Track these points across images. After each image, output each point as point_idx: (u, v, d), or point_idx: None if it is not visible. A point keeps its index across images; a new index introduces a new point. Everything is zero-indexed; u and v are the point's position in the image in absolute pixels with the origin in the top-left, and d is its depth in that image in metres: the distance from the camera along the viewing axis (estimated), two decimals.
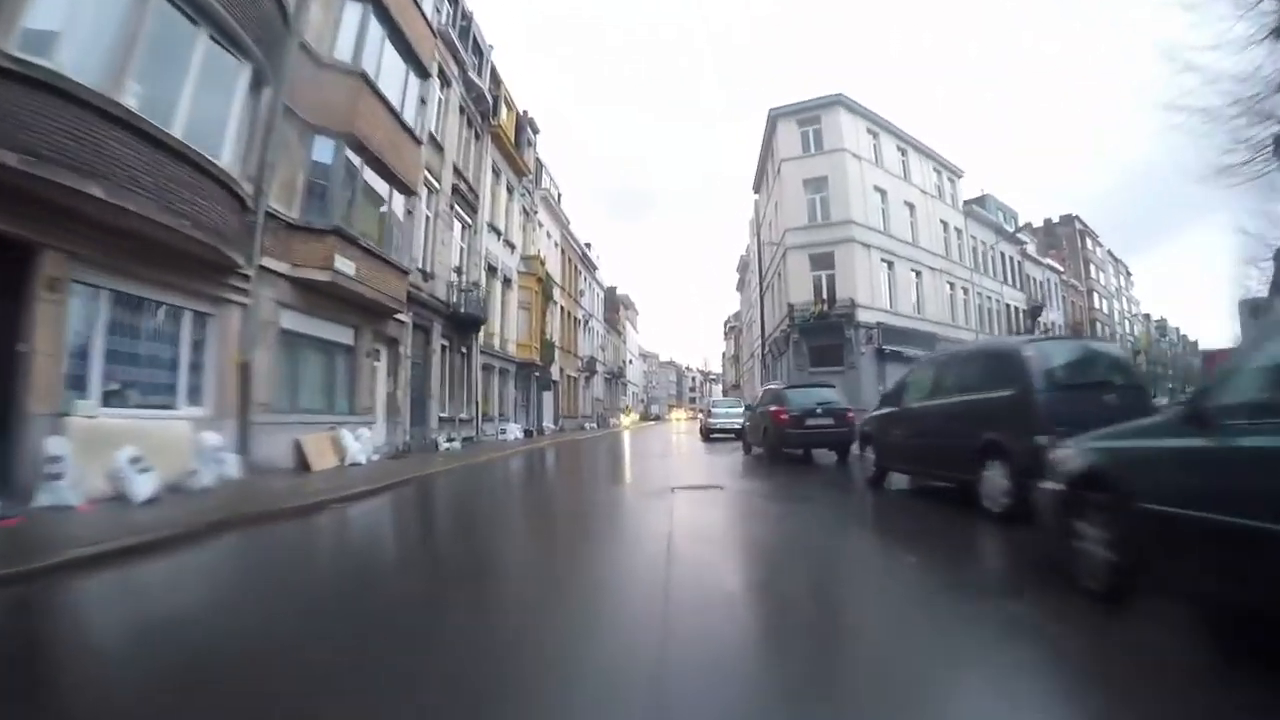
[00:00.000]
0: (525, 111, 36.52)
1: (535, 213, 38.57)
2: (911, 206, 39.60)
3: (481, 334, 28.13)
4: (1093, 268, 77.83)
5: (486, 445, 25.34)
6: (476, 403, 27.27)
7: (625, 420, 65.78)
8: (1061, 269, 67.14)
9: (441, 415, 23.01)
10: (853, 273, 33.37)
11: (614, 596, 4.99)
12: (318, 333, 15.63)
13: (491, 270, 30.11)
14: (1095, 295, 75.85)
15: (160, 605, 5.01)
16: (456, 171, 24.66)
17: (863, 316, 32.84)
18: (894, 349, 34.35)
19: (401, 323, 19.52)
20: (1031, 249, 59.43)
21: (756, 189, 49.10)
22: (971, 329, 43.08)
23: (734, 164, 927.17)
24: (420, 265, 21.16)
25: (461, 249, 26.41)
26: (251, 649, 3.83)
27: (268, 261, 13.42)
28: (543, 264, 36.83)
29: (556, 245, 44.94)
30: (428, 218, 22.09)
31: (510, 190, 33.73)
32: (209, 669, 3.48)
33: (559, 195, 46.44)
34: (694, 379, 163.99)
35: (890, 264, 36.34)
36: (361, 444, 15.70)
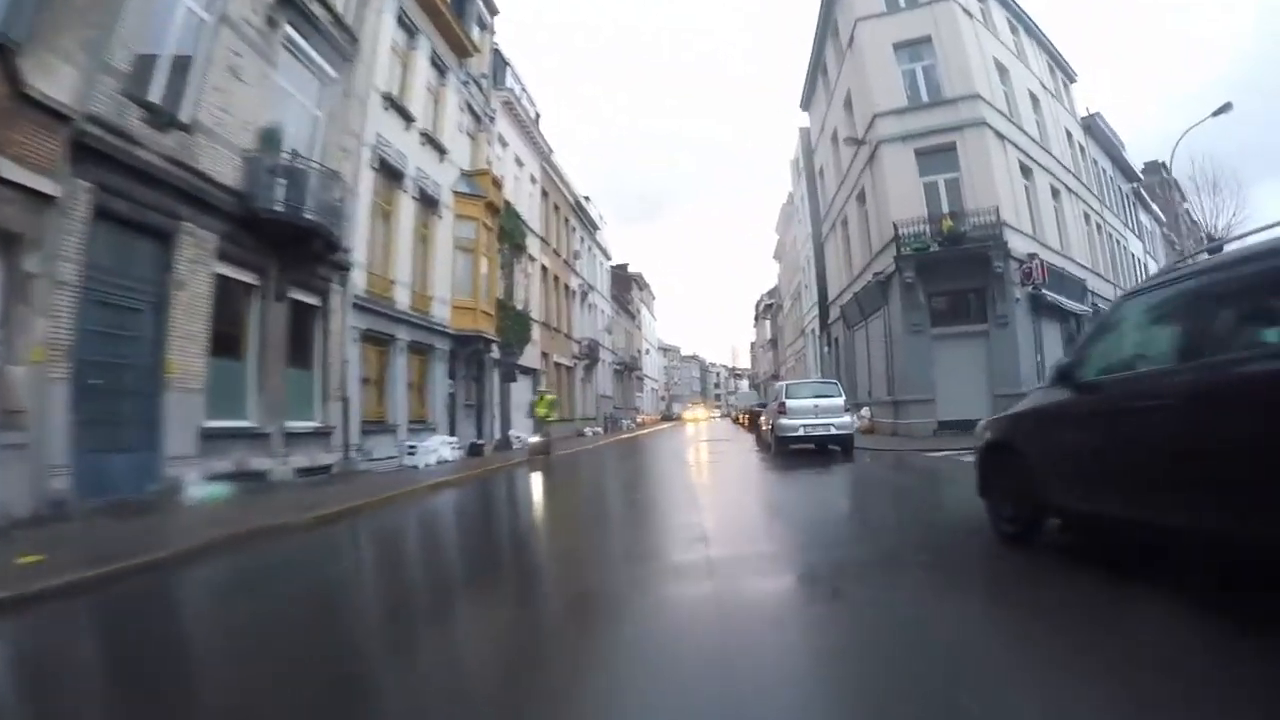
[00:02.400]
0: None
1: (491, 119, 26.40)
2: (1035, 100, 27.78)
3: (363, 277, 16.28)
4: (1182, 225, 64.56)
5: (344, 482, 14.33)
6: (345, 400, 15.06)
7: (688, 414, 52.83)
8: (1164, 219, 54.02)
9: (209, 425, 10.86)
10: (989, 174, 21.48)
11: None
12: None
13: (390, 174, 18.57)
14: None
15: None
16: None
17: (1014, 242, 20.36)
18: (1053, 298, 21.92)
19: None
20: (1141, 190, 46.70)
21: (805, 104, 36.61)
22: (1110, 279, 31.44)
23: (761, 148, 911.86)
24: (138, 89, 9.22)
25: (308, 111, 14.58)
26: None
27: None
28: (498, 186, 24.45)
29: (534, 181, 32.96)
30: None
31: (442, 71, 22.31)
32: None
33: (536, 115, 34.11)
34: (719, 375, 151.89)
35: (1029, 173, 24.07)
36: None
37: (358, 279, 16.41)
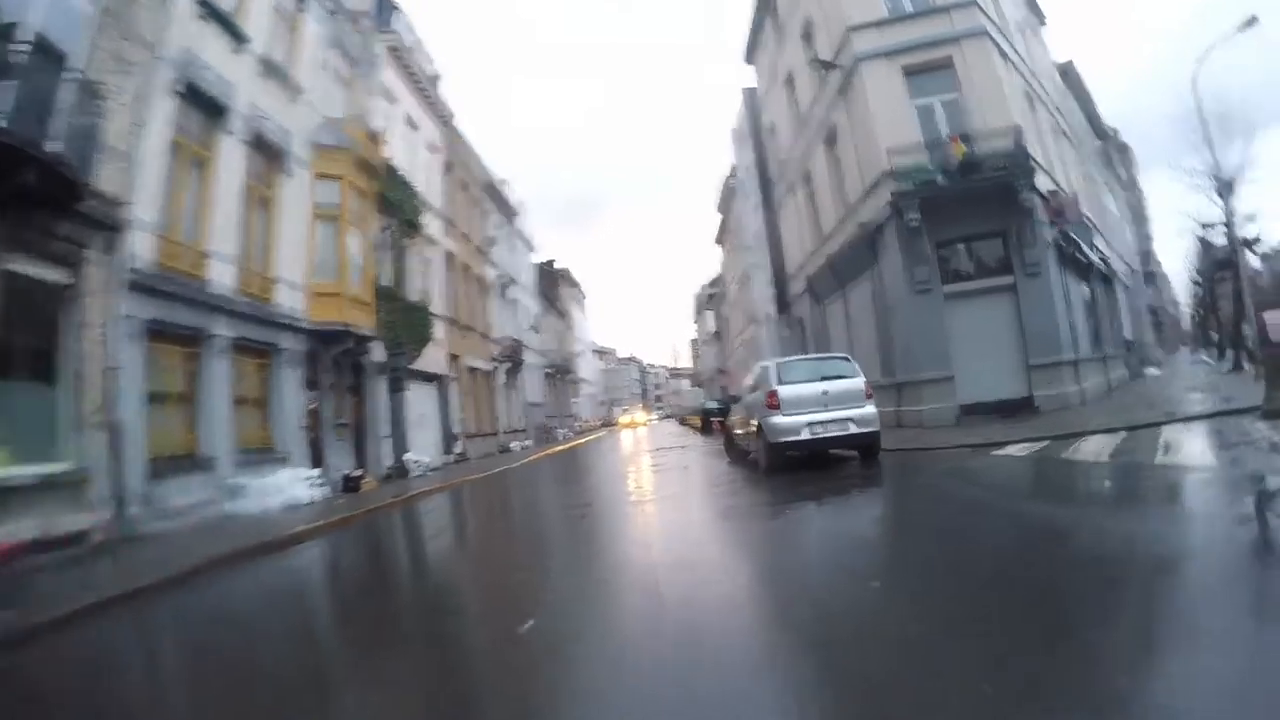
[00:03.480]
0: None
1: (371, 64, 21.26)
2: (1022, 30, 23.90)
3: (150, 244, 11.78)
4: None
5: (104, 560, 9.72)
6: (114, 427, 10.08)
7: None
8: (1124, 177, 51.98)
9: None
10: (998, 91, 17.34)
11: None
12: None
13: (206, 108, 13.77)
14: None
15: None
16: None
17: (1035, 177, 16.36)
18: (1080, 246, 17.97)
19: None
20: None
21: (750, 56, 32.06)
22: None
23: (694, 155, 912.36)
24: None
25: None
26: None
27: None
28: (375, 142, 19.39)
29: (434, 151, 27.69)
30: None
31: None
32: None
33: (435, 75, 28.98)
34: (659, 376, 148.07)
35: (1033, 105, 20.02)
36: None
37: (141, 246, 11.43)
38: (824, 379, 11.50)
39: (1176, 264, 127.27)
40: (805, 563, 5.78)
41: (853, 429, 10.98)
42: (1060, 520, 5.79)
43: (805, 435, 10.95)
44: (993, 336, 15.97)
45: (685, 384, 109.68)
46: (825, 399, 11.11)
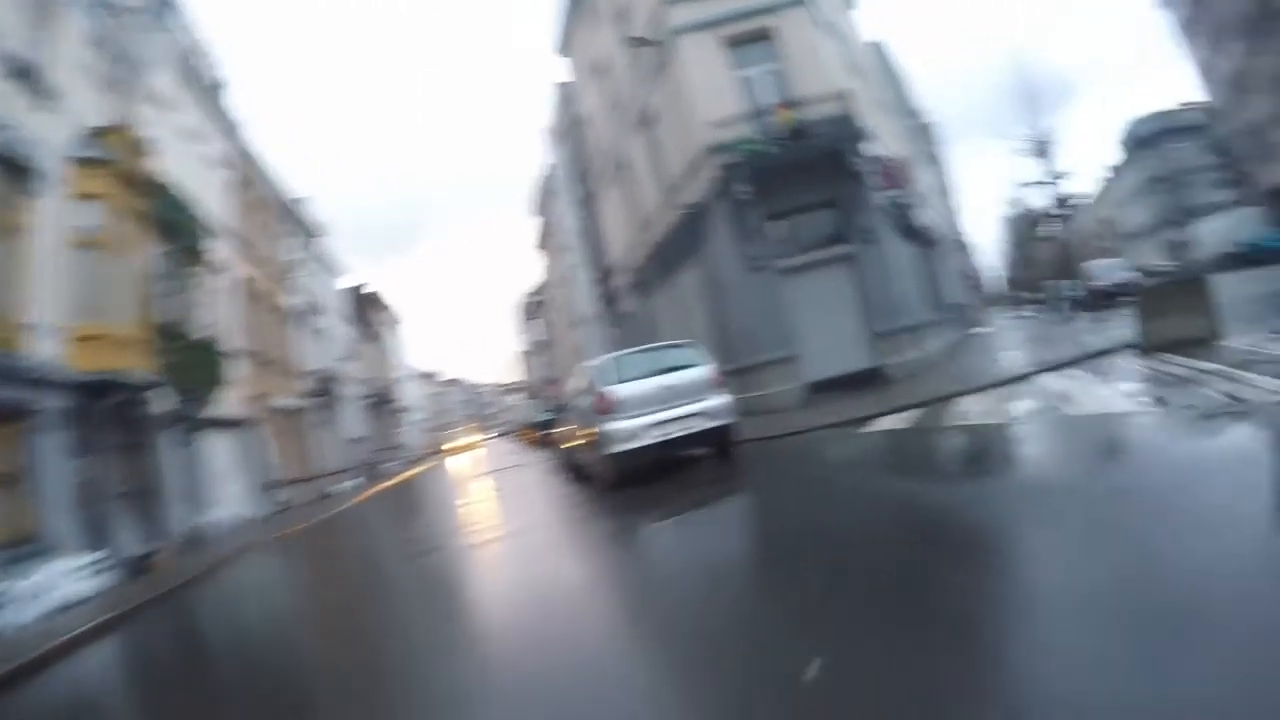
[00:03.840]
0: None
1: (143, 67, 18.49)
2: (837, 9, 23.72)
3: None
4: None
5: None
6: None
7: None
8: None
9: None
10: (819, 60, 17.09)
11: None
12: None
13: None
14: None
15: None
16: None
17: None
18: (906, 209, 18.00)
19: None
20: None
21: (564, 47, 30.46)
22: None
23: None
24: None
25: None
26: None
27: None
28: (139, 153, 16.69)
29: (219, 165, 24.90)
30: None
31: None
32: None
33: (220, 83, 25.90)
34: (489, 395, 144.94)
35: (852, 74, 20.35)
36: None
37: None
38: (665, 371, 10.16)
39: (983, 234, 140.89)
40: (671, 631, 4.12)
41: (703, 424, 9.80)
42: (1032, 502, 4.84)
43: (649, 439, 9.56)
44: (834, 309, 15.75)
45: (518, 398, 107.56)
46: (668, 394, 9.84)
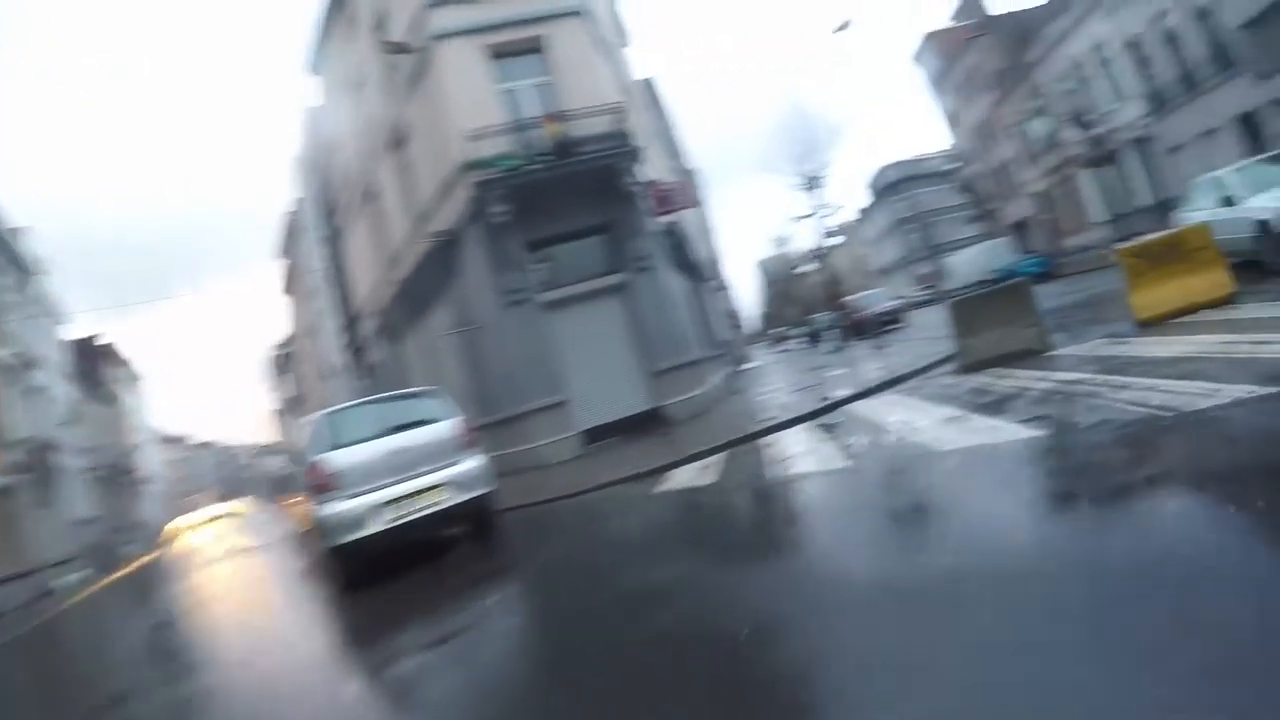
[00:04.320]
0: None
1: None
2: (611, 41, 23.08)
3: None
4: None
5: None
6: None
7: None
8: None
9: None
10: (593, 74, 15.89)
11: None
12: None
13: None
14: None
15: None
16: None
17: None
18: (681, 239, 17.28)
19: None
20: None
21: (316, 64, 27.35)
22: None
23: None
24: None
25: None
26: None
27: None
28: None
29: None
30: None
31: None
32: None
33: None
34: (245, 456, 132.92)
35: (627, 97, 19.46)
36: None
37: None
38: (399, 429, 7.80)
39: (740, 275, 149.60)
40: None
41: (454, 497, 7.59)
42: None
43: (381, 524, 7.16)
44: (607, 346, 14.32)
45: (278, 461, 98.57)
46: (405, 459, 7.53)
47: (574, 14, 15.73)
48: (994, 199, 49.72)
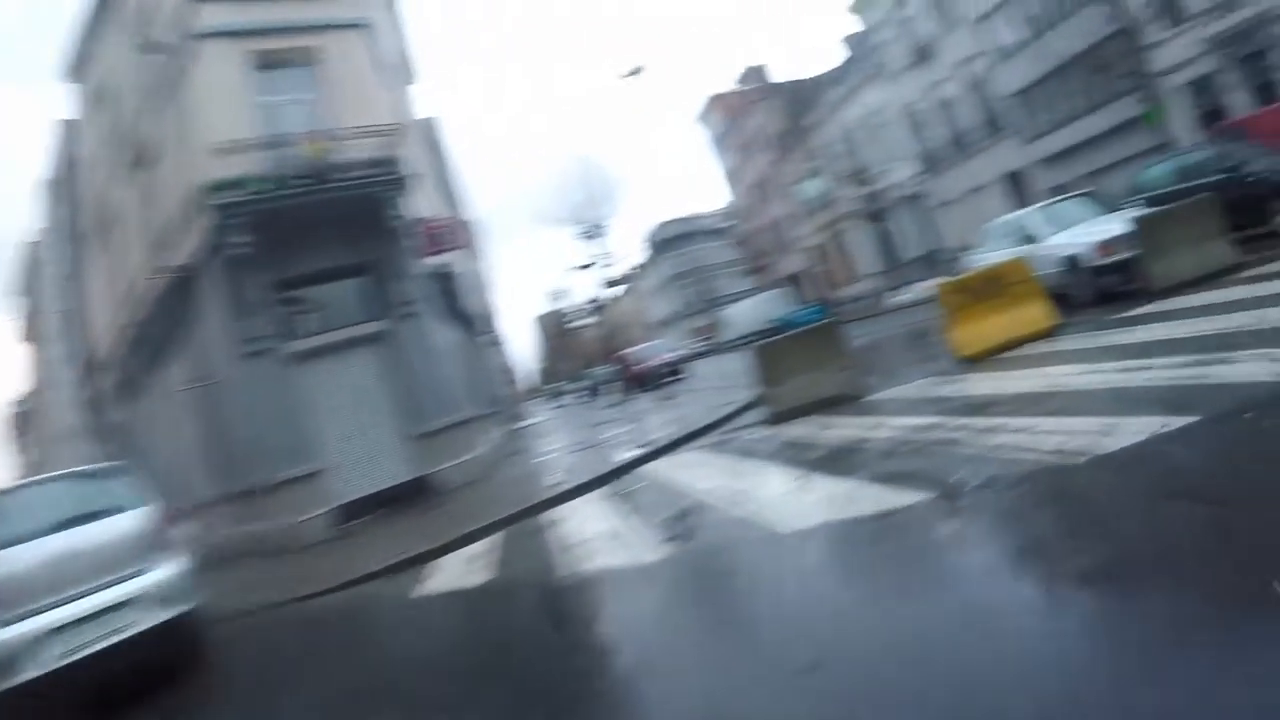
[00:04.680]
0: None
1: None
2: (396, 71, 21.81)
3: None
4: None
5: None
6: None
7: None
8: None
9: None
10: (367, 98, 13.89)
11: None
12: None
13: None
14: None
15: None
16: None
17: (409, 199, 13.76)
18: (454, 284, 16.35)
19: None
20: None
21: (75, 68, 23.18)
22: None
23: None
24: None
25: None
26: None
27: None
28: None
29: None
30: None
31: None
32: None
33: None
34: None
35: (404, 132, 18.23)
36: None
37: None
38: (63, 525, 5.67)
39: (516, 330, 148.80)
40: None
41: (143, 619, 5.56)
42: None
43: (42, 667, 5.08)
44: (366, 404, 12.47)
45: None
46: (72, 570, 5.45)
47: (355, 26, 14.13)
48: (769, 253, 52.63)
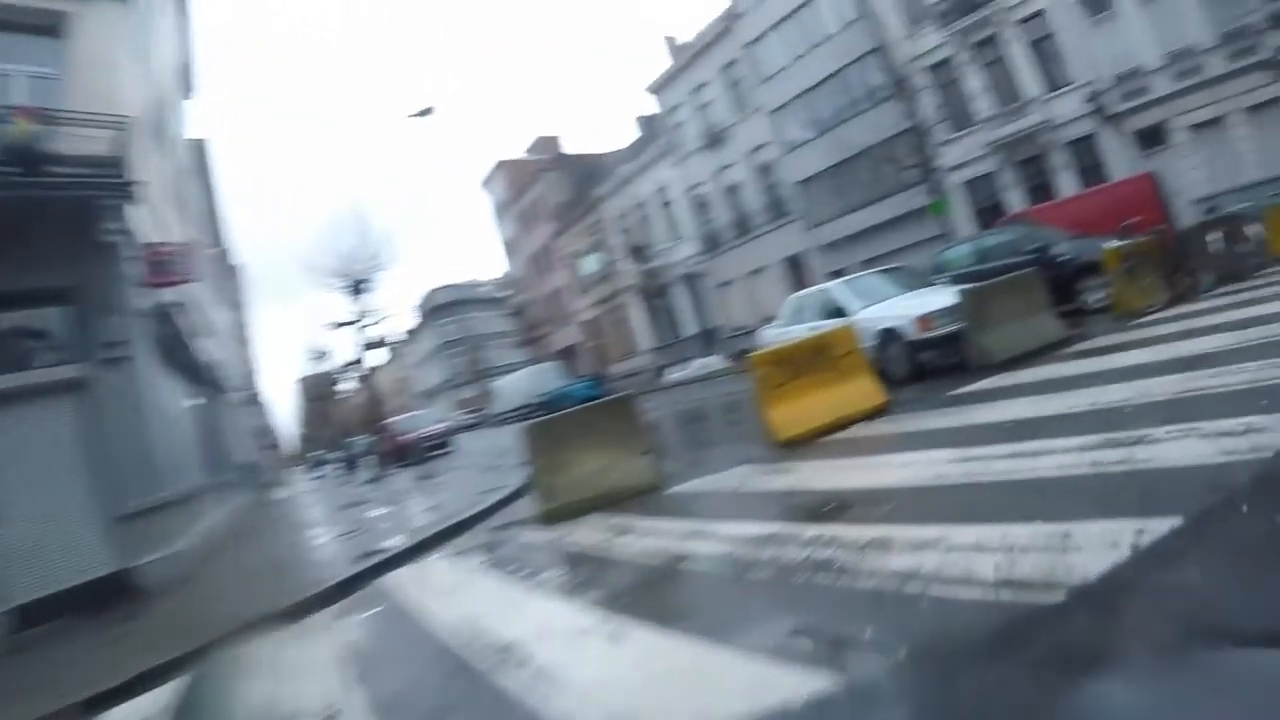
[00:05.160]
0: None
1: None
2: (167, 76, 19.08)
3: None
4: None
5: None
6: None
7: None
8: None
9: None
10: (115, 80, 11.02)
11: None
12: None
13: None
14: None
15: None
16: None
17: (140, 218, 10.88)
18: (183, 329, 13.98)
19: None
20: None
21: None
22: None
23: None
24: None
25: None
26: None
27: None
28: None
29: None
30: None
31: None
32: None
33: None
34: None
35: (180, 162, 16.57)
36: None
37: None
38: None
39: (279, 392, 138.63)
40: None
41: None
42: None
43: None
44: (50, 474, 9.04)
45: None
46: None
47: (120, 2, 11.43)
48: (544, 325, 51.95)
